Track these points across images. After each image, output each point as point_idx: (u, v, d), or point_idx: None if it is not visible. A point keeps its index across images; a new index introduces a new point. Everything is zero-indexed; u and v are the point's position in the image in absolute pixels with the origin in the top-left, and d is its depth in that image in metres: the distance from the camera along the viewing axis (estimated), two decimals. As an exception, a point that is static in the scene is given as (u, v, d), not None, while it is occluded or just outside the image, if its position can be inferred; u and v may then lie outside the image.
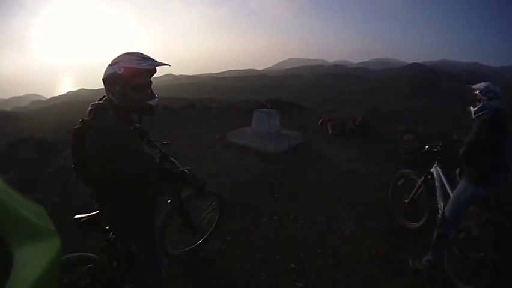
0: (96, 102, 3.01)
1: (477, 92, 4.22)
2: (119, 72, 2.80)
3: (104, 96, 3.02)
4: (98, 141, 2.83)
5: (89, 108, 2.98)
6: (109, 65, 2.86)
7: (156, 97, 3.05)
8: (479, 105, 4.18)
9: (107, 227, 3.55)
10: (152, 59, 2.91)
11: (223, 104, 21.63)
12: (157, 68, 2.96)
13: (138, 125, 3.29)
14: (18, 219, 1.96)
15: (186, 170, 3.48)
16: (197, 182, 3.38)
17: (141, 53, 2.91)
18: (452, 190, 4.63)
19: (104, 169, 2.92)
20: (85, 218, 3.45)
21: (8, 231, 1.81)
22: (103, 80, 2.90)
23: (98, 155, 2.86)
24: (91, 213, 3.45)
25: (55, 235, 2.23)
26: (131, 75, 2.83)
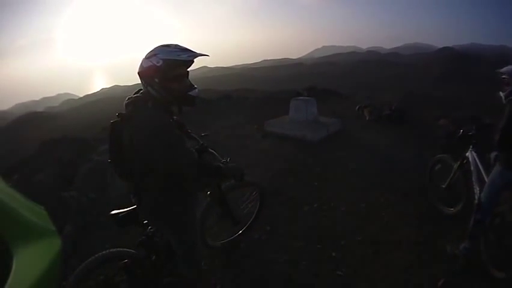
0: (133, 95, 3.06)
1: (505, 75, 4.14)
2: (157, 64, 2.80)
3: (140, 90, 3.07)
4: (138, 134, 2.87)
5: (126, 101, 3.02)
6: (146, 58, 2.87)
7: (196, 87, 3.14)
8: (509, 89, 4.08)
9: (145, 222, 3.63)
10: (191, 50, 2.90)
11: (260, 94, 21.50)
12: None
13: (175, 117, 3.28)
14: (18, 219, 2.03)
15: (224, 161, 3.58)
16: (234, 173, 3.38)
17: (178, 45, 2.91)
18: (487, 175, 4.58)
19: (143, 162, 2.98)
20: (122, 214, 3.54)
21: (8, 231, 1.89)
22: (139, 73, 2.91)
23: (138, 147, 2.90)
24: (128, 209, 3.54)
25: (55, 235, 2.30)
26: (170, 66, 2.84)
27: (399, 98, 14.15)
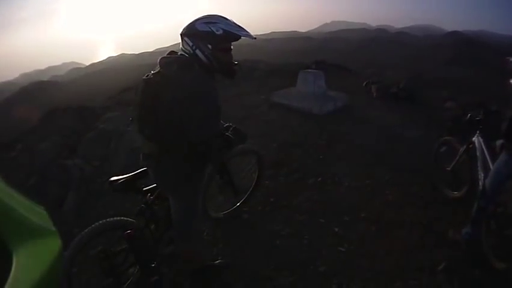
0: (167, 56, 3.13)
1: None
2: (217, 32, 2.92)
3: (172, 52, 3.17)
4: (183, 93, 2.87)
5: (163, 60, 3.04)
6: (202, 22, 2.95)
7: (237, 63, 3.25)
8: None
9: (144, 188, 3.65)
10: (244, 29, 3.06)
11: (268, 66, 21.33)
12: None
13: None
14: (18, 219, 2.04)
15: (228, 125, 3.58)
16: (240, 137, 3.47)
17: (232, 20, 3.04)
18: (492, 162, 4.54)
19: (177, 123, 2.94)
20: (120, 180, 3.54)
21: (8, 231, 1.91)
22: (188, 35, 2.99)
23: (178, 106, 2.89)
24: (127, 175, 3.56)
25: (55, 235, 2.30)
26: (228, 38, 3.01)
27: (407, 77, 14.01)
